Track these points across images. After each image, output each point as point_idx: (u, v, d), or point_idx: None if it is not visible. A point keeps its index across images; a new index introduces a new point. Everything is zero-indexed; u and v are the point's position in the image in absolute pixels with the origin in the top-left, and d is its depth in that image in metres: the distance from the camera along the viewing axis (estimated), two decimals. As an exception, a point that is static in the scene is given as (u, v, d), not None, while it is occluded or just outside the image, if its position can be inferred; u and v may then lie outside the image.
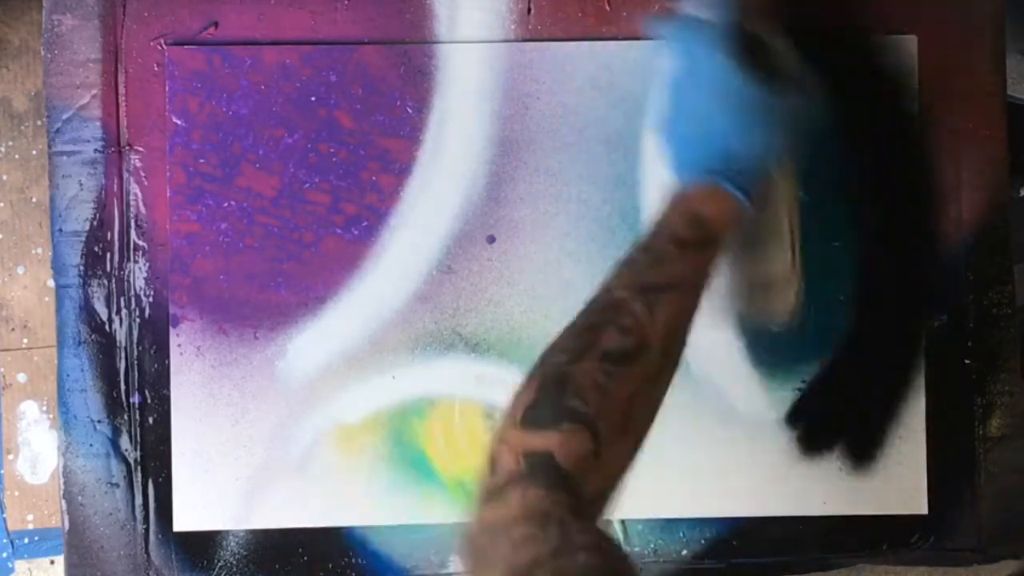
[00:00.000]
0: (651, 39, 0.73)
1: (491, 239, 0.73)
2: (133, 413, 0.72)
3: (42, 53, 0.72)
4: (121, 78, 0.72)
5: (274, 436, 0.72)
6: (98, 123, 0.72)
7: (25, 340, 0.76)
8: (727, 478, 0.73)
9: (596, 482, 0.50)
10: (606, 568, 0.44)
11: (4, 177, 0.77)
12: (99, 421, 0.71)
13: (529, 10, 0.73)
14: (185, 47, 0.72)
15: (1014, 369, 0.74)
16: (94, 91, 0.72)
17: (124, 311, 0.72)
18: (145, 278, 0.72)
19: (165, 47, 0.72)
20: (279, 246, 0.72)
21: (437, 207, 0.72)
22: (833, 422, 0.73)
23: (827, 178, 0.73)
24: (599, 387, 0.51)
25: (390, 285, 0.72)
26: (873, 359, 0.74)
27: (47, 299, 0.76)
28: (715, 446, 0.73)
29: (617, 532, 0.74)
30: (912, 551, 0.73)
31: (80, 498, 0.71)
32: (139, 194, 0.72)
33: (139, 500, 0.72)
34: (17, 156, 0.77)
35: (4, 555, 0.77)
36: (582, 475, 0.49)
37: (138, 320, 0.72)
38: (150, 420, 0.72)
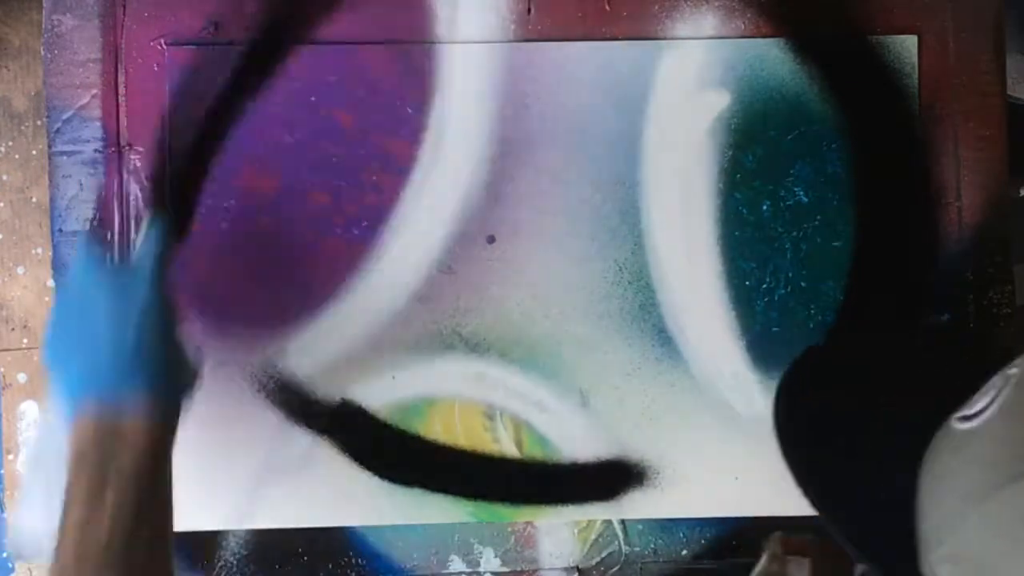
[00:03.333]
0: (651, 39, 0.73)
1: (491, 239, 0.72)
2: (133, 413, 0.72)
3: (42, 53, 0.72)
4: (121, 78, 0.72)
5: (274, 436, 0.72)
6: (98, 123, 0.72)
7: (25, 340, 0.76)
8: (727, 478, 0.73)
9: None
10: None
11: (4, 177, 0.76)
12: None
13: (529, 10, 0.73)
14: (185, 47, 0.72)
15: (1014, 369, 0.74)
16: (94, 91, 0.72)
17: (124, 311, 0.72)
18: (145, 278, 0.72)
19: (165, 47, 0.72)
20: (279, 246, 0.72)
21: (437, 207, 0.72)
22: (833, 422, 0.73)
23: (827, 178, 0.73)
24: None
25: (390, 285, 0.72)
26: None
27: (47, 299, 0.76)
28: (715, 446, 0.73)
29: (617, 532, 0.74)
30: (912, 551, 0.73)
31: (80, 498, 0.71)
32: (139, 194, 0.72)
33: (139, 500, 0.72)
34: (17, 156, 0.77)
35: (4, 555, 0.77)
36: None
37: (138, 320, 0.72)
38: (150, 420, 0.72)
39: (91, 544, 0.51)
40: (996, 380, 0.40)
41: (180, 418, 0.59)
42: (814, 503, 0.48)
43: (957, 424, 0.39)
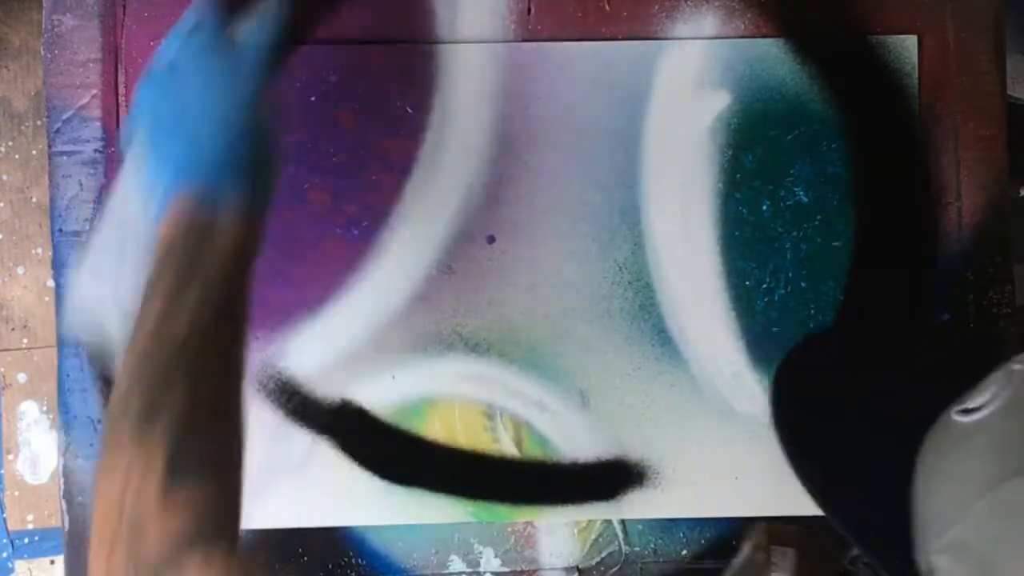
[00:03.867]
0: (651, 39, 0.73)
1: (491, 239, 0.73)
2: (133, 413, 0.72)
3: (42, 53, 0.72)
4: (121, 78, 0.72)
5: (274, 436, 0.72)
6: (98, 123, 0.72)
7: (25, 340, 0.76)
8: (727, 478, 0.73)
9: (236, 516, 0.47)
10: None
11: (4, 177, 0.77)
12: (99, 421, 0.71)
13: (529, 10, 0.73)
14: (185, 47, 0.72)
15: (1014, 369, 0.74)
16: (94, 91, 0.72)
17: (124, 311, 0.72)
18: (145, 278, 0.72)
19: (165, 47, 0.71)
20: (279, 246, 0.72)
21: (437, 207, 0.72)
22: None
23: (827, 178, 0.73)
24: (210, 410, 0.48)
25: (390, 285, 0.72)
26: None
27: (47, 299, 0.76)
28: (715, 446, 0.73)
29: (617, 532, 0.74)
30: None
31: (80, 498, 0.71)
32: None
33: (139, 500, 0.72)
34: (17, 156, 0.77)
35: (4, 555, 0.77)
36: (234, 519, 0.47)
37: (138, 320, 0.72)
38: (150, 420, 0.72)
39: (167, 339, 0.48)
40: (999, 375, 0.40)
41: (266, 224, 0.55)
42: (811, 492, 0.48)
43: (958, 417, 0.40)
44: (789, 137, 0.73)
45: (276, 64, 0.57)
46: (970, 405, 0.40)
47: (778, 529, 0.55)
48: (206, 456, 0.46)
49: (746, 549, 0.54)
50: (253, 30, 0.56)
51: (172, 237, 0.52)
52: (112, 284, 0.57)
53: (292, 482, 0.72)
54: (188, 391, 0.47)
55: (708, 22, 0.73)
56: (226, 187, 0.53)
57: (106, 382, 0.58)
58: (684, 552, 0.74)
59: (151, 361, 0.48)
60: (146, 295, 0.51)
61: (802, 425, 0.49)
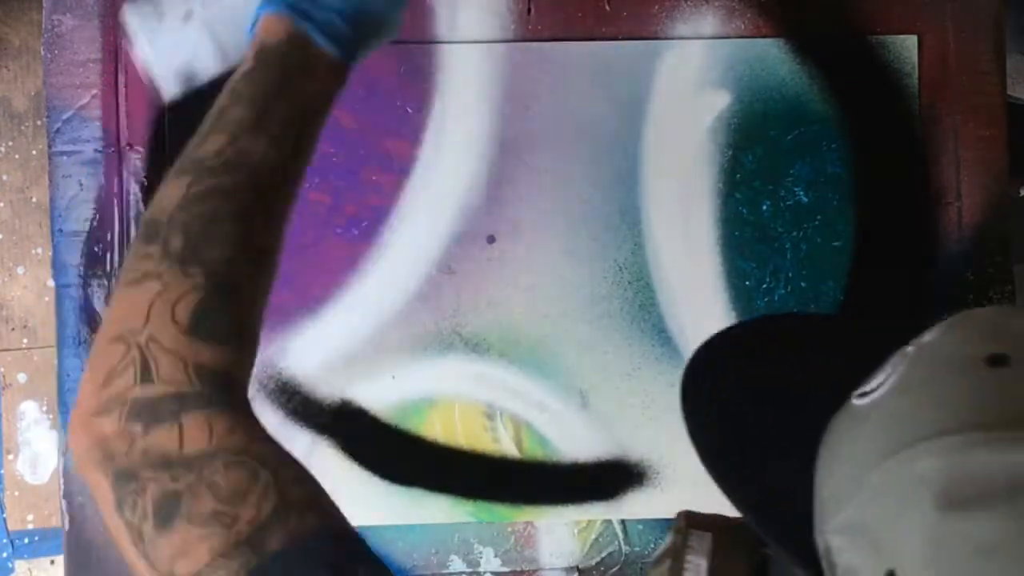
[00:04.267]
0: (651, 39, 0.73)
1: (491, 239, 0.73)
2: (133, 413, 0.72)
3: (42, 53, 0.72)
4: (121, 78, 0.72)
5: (274, 436, 0.72)
6: (98, 123, 0.72)
7: (25, 340, 0.76)
8: (727, 478, 0.73)
9: (247, 383, 0.46)
10: (325, 510, 0.43)
11: (4, 177, 0.77)
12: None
13: (529, 10, 0.73)
14: (185, 47, 0.72)
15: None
16: (94, 91, 0.72)
17: (124, 311, 0.72)
18: (145, 278, 0.72)
19: (165, 47, 0.71)
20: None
21: (437, 207, 0.72)
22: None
23: (827, 178, 0.73)
24: (253, 274, 0.46)
25: (390, 285, 0.72)
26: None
27: (47, 299, 0.76)
28: (715, 446, 0.73)
29: (617, 532, 0.74)
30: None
31: (80, 498, 0.71)
32: (139, 194, 0.72)
33: (139, 500, 0.72)
34: (17, 156, 0.77)
35: (4, 555, 0.77)
36: (246, 381, 0.45)
37: (138, 320, 0.72)
38: (150, 420, 0.72)
39: (236, 166, 0.46)
40: (895, 358, 0.41)
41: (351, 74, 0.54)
42: (713, 475, 0.48)
43: (855, 401, 0.41)
44: (789, 137, 0.73)
45: None
46: (865, 388, 0.40)
47: (697, 513, 0.56)
48: (232, 321, 0.45)
49: (669, 535, 0.55)
50: None
51: (263, 57, 0.50)
52: (173, 31, 0.55)
53: (292, 482, 0.72)
54: (233, 240, 0.45)
55: (708, 22, 0.73)
56: (334, 26, 0.51)
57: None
58: (684, 552, 0.74)
59: (207, 191, 0.46)
60: (218, 112, 0.48)
61: (708, 409, 0.49)
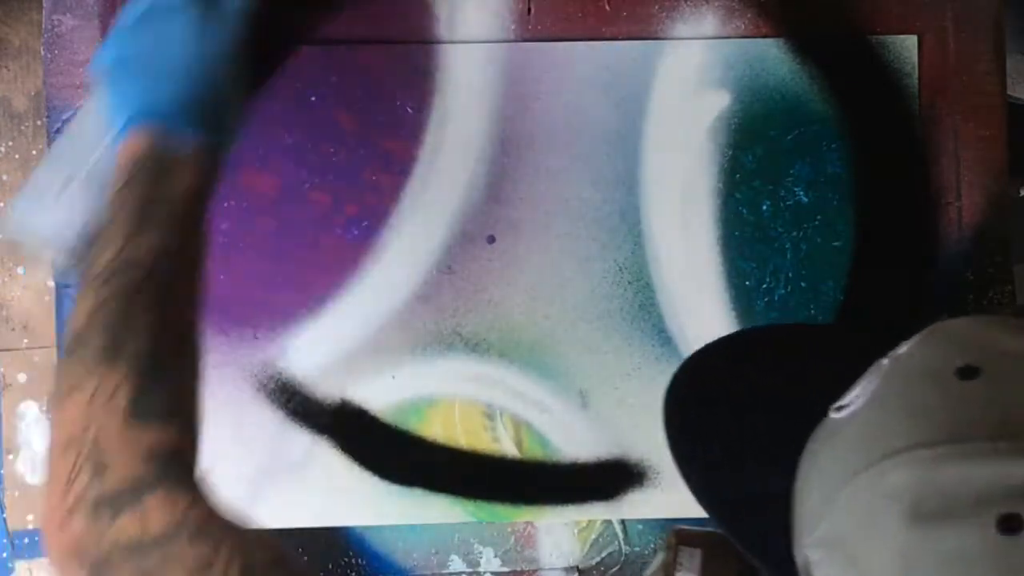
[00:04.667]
0: (651, 39, 0.73)
1: (491, 239, 0.73)
2: (133, 413, 0.71)
3: (42, 53, 0.72)
4: (121, 78, 0.72)
5: (274, 436, 0.72)
6: (98, 123, 0.72)
7: (25, 340, 0.76)
8: (727, 478, 0.73)
9: (196, 456, 0.47)
10: (290, 569, 0.44)
11: (4, 177, 0.76)
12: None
13: (529, 10, 0.73)
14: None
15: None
16: (94, 91, 0.72)
17: (124, 311, 0.72)
18: (145, 278, 0.72)
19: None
20: (279, 246, 0.72)
21: (437, 207, 0.72)
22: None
23: (827, 178, 0.73)
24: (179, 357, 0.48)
25: (390, 285, 0.72)
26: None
27: (47, 299, 0.76)
28: (715, 446, 0.73)
29: (617, 532, 0.74)
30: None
31: (80, 498, 0.71)
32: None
33: (139, 500, 0.72)
34: (17, 156, 0.77)
35: (4, 555, 0.77)
36: (196, 457, 0.47)
37: (138, 320, 0.72)
38: (150, 420, 0.72)
39: (134, 261, 0.49)
40: (871, 370, 0.41)
41: (222, 168, 0.56)
42: (693, 490, 0.48)
43: (833, 414, 0.41)
44: (789, 137, 0.73)
45: (251, 17, 0.58)
46: (842, 402, 0.41)
47: (687, 531, 0.56)
48: (169, 397, 0.47)
49: (660, 552, 0.56)
50: None
51: (129, 170, 0.52)
52: (53, 204, 0.58)
53: (292, 482, 0.72)
54: (150, 327, 0.47)
55: (708, 22, 0.73)
56: (185, 128, 0.53)
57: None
58: (684, 552, 0.74)
59: (112, 293, 0.48)
60: (105, 226, 0.51)
61: (691, 427, 0.50)
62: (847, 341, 0.51)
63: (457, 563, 0.73)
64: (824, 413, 0.42)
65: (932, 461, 0.35)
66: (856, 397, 0.40)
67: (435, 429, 0.72)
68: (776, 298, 0.73)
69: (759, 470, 0.45)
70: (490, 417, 0.73)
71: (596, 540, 0.74)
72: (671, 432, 0.50)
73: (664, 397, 0.51)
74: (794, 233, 0.73)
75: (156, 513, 0.43)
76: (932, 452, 0.35)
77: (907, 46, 0.73)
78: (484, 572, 0.74)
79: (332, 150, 0.72)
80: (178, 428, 0.46)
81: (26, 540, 0.79)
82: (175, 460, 0.45)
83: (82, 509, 0.43)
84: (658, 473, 0.73)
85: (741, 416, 0.47)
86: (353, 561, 0.73)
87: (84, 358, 0.47)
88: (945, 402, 0.37)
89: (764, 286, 0.73)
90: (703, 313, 0.73)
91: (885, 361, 0.41)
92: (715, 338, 0.52)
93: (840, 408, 0.41)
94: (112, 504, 0.43)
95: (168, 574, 0.42)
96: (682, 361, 0.52)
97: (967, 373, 0.37)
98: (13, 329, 0.76)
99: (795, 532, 0.41)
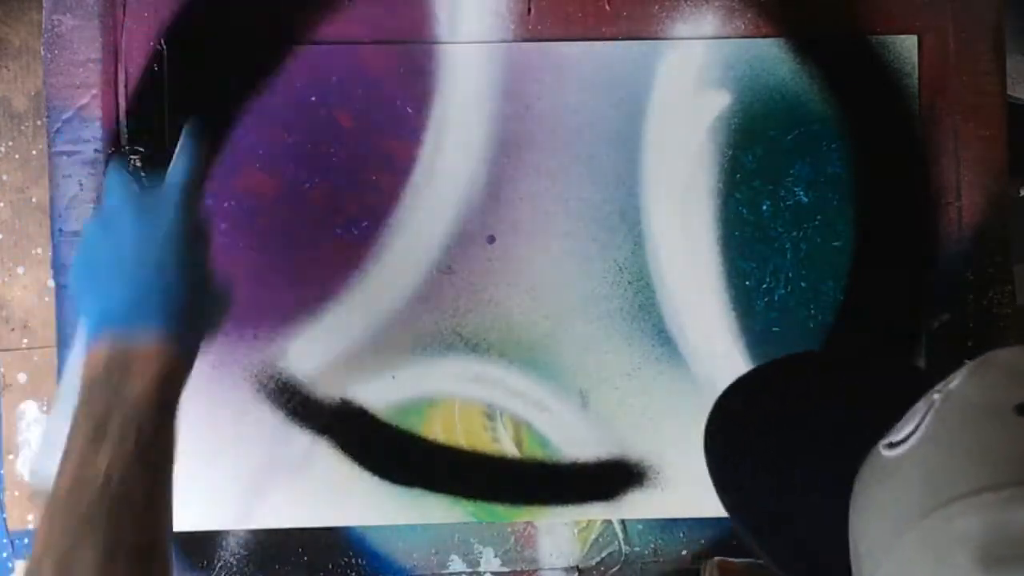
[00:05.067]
0: (651, 39, 0.73)
1: (491, 239, 0.73)
2: (133, 413, 0.71)
3: (42, 53, 0.72)
4: (121, 78, 0.72)
5: (274, 436, 0.72)
6: (98, 123, 0.72)
7: (25, 340, 0.76)
8: (727, 478, 0.73)
9: None
10: None
11: (4, 177, 0.77)
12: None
13: (529, 10, 0.73)
14: (185, 47, 0.72)
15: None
16: (94, 91, 0.72)
17: (124, 311, 0.72)
18: (145, 278, 0.72)
19: (165, 47, 0.72)
20: (279, 246, 0.72)
21: (437, 207, 0.72)
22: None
23: (827, 178, 0.73)
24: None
25: (390, 285, 0.72)
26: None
27: (47, 299, 0.76)
28: (715, 446, 0.73)
29: (617, 532, 0.74)
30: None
31: (80, 498, 0.71)
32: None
33: (139, 500, 0.72)
34: (17, 156, 0.77)
35: (4, 555, 0.77)
36: None
37: (138, 320, 0.72)
38: (150, 420, 0.72)
39: (88, 478, 0.48)
40: (921, 404, 0.40)
41: (198, 354, 0.56)
42: (741, 526, 0.48)
43: (885, 451, 0.40)
44: (789, 137, 0.73)
45: (196, 198, 0.59)
46: (894, 438, 0.40)
47: (729, 564, 0.56)
48: None
49: None
50: (171, 171, 0.59)
51: (93, 373, 0.52)
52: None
53: (292, 482, 0.72)
54: (101, 551, 0.47)
55: (708, 22, 0.73)
56: (144, 325, 0.53)
57: None
58: (684, 552, 0.74)
59: (64, 516, 0.48)
60: (66, 445, 0.51)
61: (735, 458, 0.49)
62: (891, 369, 0.50)
63: (457, 563, 0.73)
64: (871, 445, 0.41)
65: (1000, 504, 0.35)
66: (910, 434, 0.39)
67: (435, 429, 0.72)
68: (776, 298, 0.73)
69: (807, 508, 0.44)
70: (490, 417, 0.73)
71: (596, 540, 0.74)
72: (713, 459, 0.49)
73: (706, 425, 0.50)
74: (794, 233, 0.73)
75: None
76: (1000, 496, 0.35)
77: (907, 46, 0.73)
78: (484, 572, 0.74)
79: (332, 150, 0.72)
80: None
81: (26, 540, 0.79)
82: None
83: None
84: (658, 473, 0.73)
85: (784, 455, 0.47)
86: (353, 561, 0.73)
87: None
88: (1008, 442, 0.36)
89: (764, 286, 0.73)
90: (703, 313, 0.73)
91: (936, 396, 0.40)
92: (755, 366, 0.52)
93: (892, 445, 0.40)
94: None
95: None
96: (714, 403, 0.52)
97: None
98: (13, 329, 0.76)
99: (854, 571, 0.40)
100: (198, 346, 0.56)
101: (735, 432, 0.50)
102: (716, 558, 0.57)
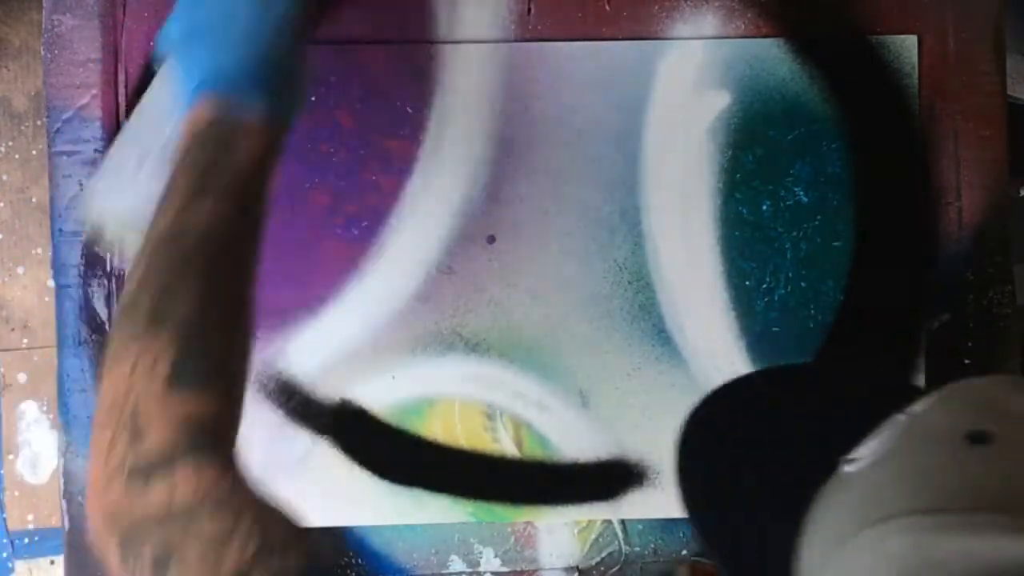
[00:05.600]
0: (651, 39, 0.73)
1: (491, 239, 0.73)
2: (133, 413, 0.71)
3: (42, 53, 0.72)
4: (121, 78, 0.72)
5: (274, 436, 0.72)
6: (98, 123, 0.72)
7: (25, 340, 0.76)
8: (727, 478, 0.73)
9: (234, 429, 0.47)
10: (308, 549, 0.44)
11: (4, 177, 0.77)
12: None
13: (529, 10, 0.73)
14: (185, 47, 0.72)
15: (1014, 369, 0.74)
16: (94, 91, 0.72)
17: (124, 311, 0.72)
18: (145, 278, 0.72)
19: (165, 47, 0.71)
20: (279, 246, 0.72)
21: (437, 207, 0.72)
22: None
23: (827, 178, 0.73)
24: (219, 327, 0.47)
25: (390, 285, 0.72)
26: (873, 359, 0.74)
27: (47, 299, 0.76)
28: (715, 446, 0.73)
29: (617, 532, 0.74)
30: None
31: (80, 498, 0.71)
32: (139, 194, 0.72)
33: (139, 500, 0.72)
34: (17, 156, 0.77)
35: (4, 555, 0.77)
36: (233, 426, 0.47)
37: (138, 320, 0.72)
38: (150, 420, 0.72)
39: (191, 223, 0.48)
40: (886, 424, 0.40)
41: (287, 136, 0.56)
42: (705, 542, 0.48)
43: (844, 467, 0.40)
44: (789, 137, 0.73)
45: None
46: (855, 455, 0.40)
47: (701, 568, 0.56)
48: (211, 366, 0.46)
49: None
50: None
51: (194, 137, 0.52)
52: (131, 182, 0.58)
53: (292, 482, 0.72)
54: (199, 293, 0.47)
55: (708, 22, 0.73)
56: (251, 95, 0.53)
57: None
58: (684, 552, 0.74)
59: (165, 258, 0.48)
60: (165, 191, 0.51)
61: (703, 473, 0.49)
62: (867, 387, 0.50)
63: (457, 563, 0.73)
64: (835, 464, 0.41)
65: (932, 528, 0.34)
66: (868, 452, 0.39)
67: (435, 429, 0.72)
68: (776, 298, 0.73)
69: (767, 515, 0.44)
70: (490, 417, 0.73)
71: (596, 540, 0.74)
72: (682, 485, 0.49)
73: (676, 448, 0.50)
74: (794, 233, 0.73)
75: (183, 484, 0.42)
76: (932, 520, 0.35)
77: (907, 46, 0.73)
78: (484, 572, 0.74)
79: (332, 150, 0.72)
80: (216, 398, 0.45)
81: (26, 540, 0.79)
82: (209, 430, 0.44)
83: (119, 476, 0.43)
84: (658, 473, 0.73)
85: (755, 460, 0.47)
86: (353, 561, 0.73)
87: (131, 325, 0.46)
88: (952, 468, 0.36)
89: (764, 286, 0.73)
90: (703, 313, 0.73)
91: (902, 417, 0.40)
92: (732, 377, 0.52)
93: (852, 461, 0.40)
94: (145, 472, 0.43)
95: (187, 548, 0.41)
96: (689, 412, 0.51)
97: (978, 438, 0.36)
98: (13, 329, 0.76)
99: None
100: (290, 127, 0.56)
101: (706, 442, 0.50)
102: (686, 562, 0.57)
